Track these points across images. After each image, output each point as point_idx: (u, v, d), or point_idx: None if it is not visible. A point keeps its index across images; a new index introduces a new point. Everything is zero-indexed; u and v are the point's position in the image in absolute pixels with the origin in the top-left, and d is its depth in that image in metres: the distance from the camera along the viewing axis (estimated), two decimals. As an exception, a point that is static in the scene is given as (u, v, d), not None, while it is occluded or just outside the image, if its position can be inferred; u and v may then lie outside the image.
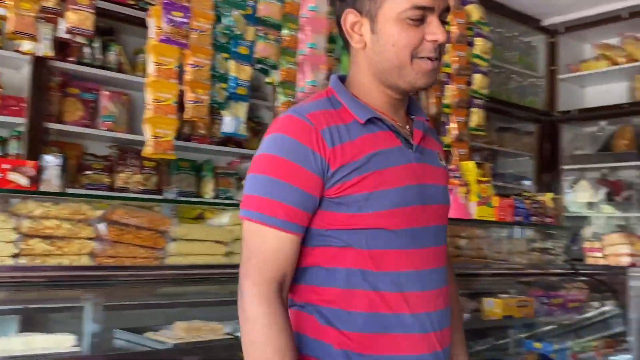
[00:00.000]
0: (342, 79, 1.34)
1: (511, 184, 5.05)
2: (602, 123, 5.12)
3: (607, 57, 5.04)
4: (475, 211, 3.20)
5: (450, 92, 3.82)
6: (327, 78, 3.06)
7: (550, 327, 3.25)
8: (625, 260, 3.40)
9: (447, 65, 3.78)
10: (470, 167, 3.24)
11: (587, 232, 4.79)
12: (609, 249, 3.50)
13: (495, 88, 4.71)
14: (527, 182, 5.23)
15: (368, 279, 1.22)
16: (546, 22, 5.23)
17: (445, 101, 3.81)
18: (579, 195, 5.06)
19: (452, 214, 3.07)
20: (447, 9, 1.26)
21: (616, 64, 4.93)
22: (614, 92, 5.09)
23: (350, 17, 1.27)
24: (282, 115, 1.25)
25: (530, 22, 5.22)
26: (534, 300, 3.00)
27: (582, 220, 5.05)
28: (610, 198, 4.92)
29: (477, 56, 3.97)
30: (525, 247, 3.55)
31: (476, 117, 3.98)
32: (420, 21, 1.22)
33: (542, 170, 5.24)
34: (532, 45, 5.40)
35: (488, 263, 3.16)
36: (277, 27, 2.94)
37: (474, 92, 3.96)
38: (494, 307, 2.80)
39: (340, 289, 1.23)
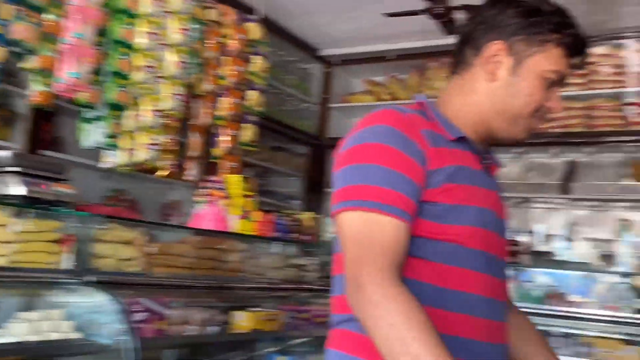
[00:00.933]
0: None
1: (281, 202, 5.20)
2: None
3: (373, 93, 5.47)
4: (236, 224, 3.22)
5: (225, 105, 3.84)
6: (93, 72, 2.88)
7: (300, 340, 3.37)
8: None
9: (223, 78, 3.80)
10: (234, 181, 3.27)
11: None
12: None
13: (272, 108, 4.84)
14: (296, 202, 5.43)
15: (436, 295, 1.16)
16: (323, 52, 5.53)
17: (219, 113, 3.82)
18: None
19: (211, 225, 3.06)
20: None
21: (381, 100, 5.37)
22: (378, 126, 5.53)
23: (496, 47, 1.27)
24: (381, 110, 1.23)
25: (309, 50, 5.48)
26: (283, 314, 3.08)
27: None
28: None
29: (254, 74, 4.05)
30: (282, 263, 3.66)
31: (249, 132, 4.05)
32: (550, 85, 1.27)
33: (309, 191, 5.49)
34: (310, 72, 5.67)
35: (244, 276, 3.19)
36: (39, 10, 2.71)
37: (248, 108, 4.03)
38: (243, 320, 2.82)
39: None
